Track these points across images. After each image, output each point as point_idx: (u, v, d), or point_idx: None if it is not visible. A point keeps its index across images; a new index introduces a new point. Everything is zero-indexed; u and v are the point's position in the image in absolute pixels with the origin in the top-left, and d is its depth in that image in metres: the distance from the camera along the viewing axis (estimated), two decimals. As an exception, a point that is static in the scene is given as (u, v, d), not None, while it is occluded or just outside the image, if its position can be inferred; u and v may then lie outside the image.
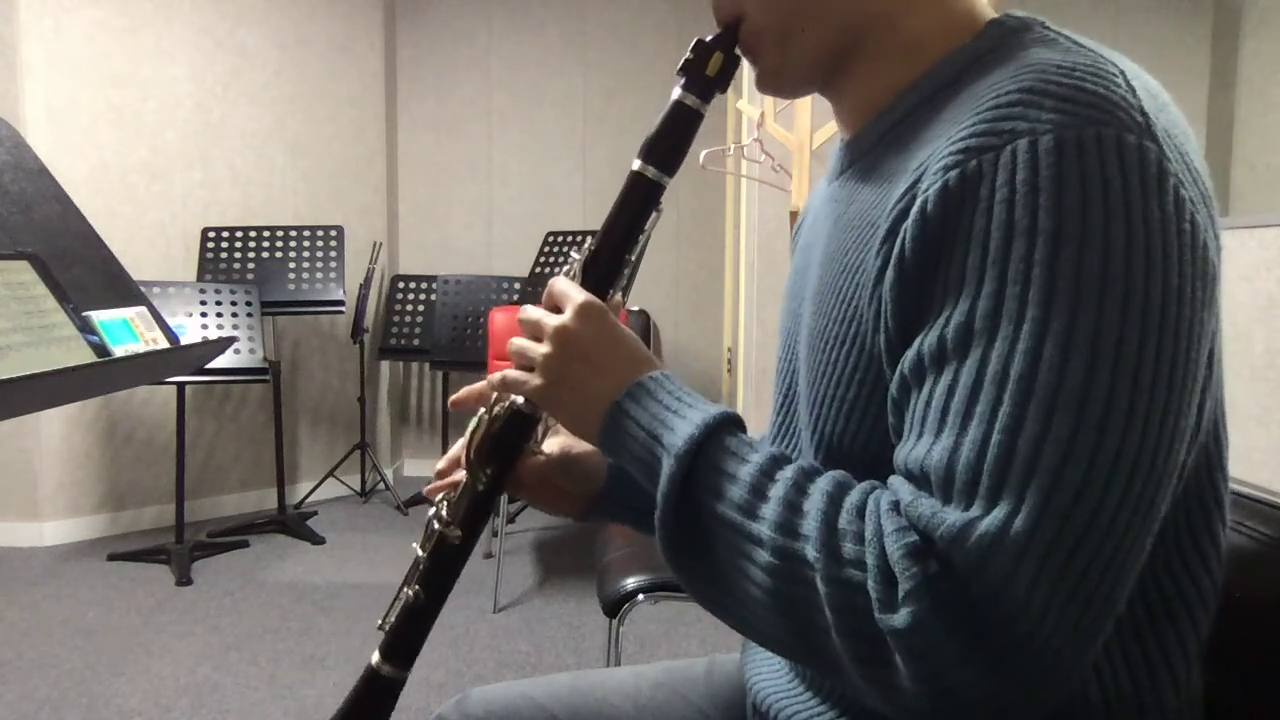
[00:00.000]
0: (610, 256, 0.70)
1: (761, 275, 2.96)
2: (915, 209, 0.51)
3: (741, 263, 3.93)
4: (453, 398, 0.79)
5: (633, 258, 0.71)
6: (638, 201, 0.70)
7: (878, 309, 0.55)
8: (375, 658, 0.73)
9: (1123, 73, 0.51)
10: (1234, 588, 0.64)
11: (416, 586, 0.73)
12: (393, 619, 0.74)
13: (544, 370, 0.65)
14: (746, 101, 2.86)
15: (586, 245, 0.71)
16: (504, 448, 0.73)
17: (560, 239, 3.71)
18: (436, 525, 0.73)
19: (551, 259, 3.69)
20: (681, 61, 0.68)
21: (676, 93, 0.68)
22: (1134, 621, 0.55)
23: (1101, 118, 0.48)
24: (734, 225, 4.32)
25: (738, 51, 0.67)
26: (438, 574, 0.73)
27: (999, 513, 0.45)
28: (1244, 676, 0.64)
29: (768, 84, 0.68)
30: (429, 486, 0.80)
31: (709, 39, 0.67)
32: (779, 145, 2.66)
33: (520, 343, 0.68)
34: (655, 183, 0.69)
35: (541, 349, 0.65)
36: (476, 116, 4.39)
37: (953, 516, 0.46)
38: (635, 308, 4.24)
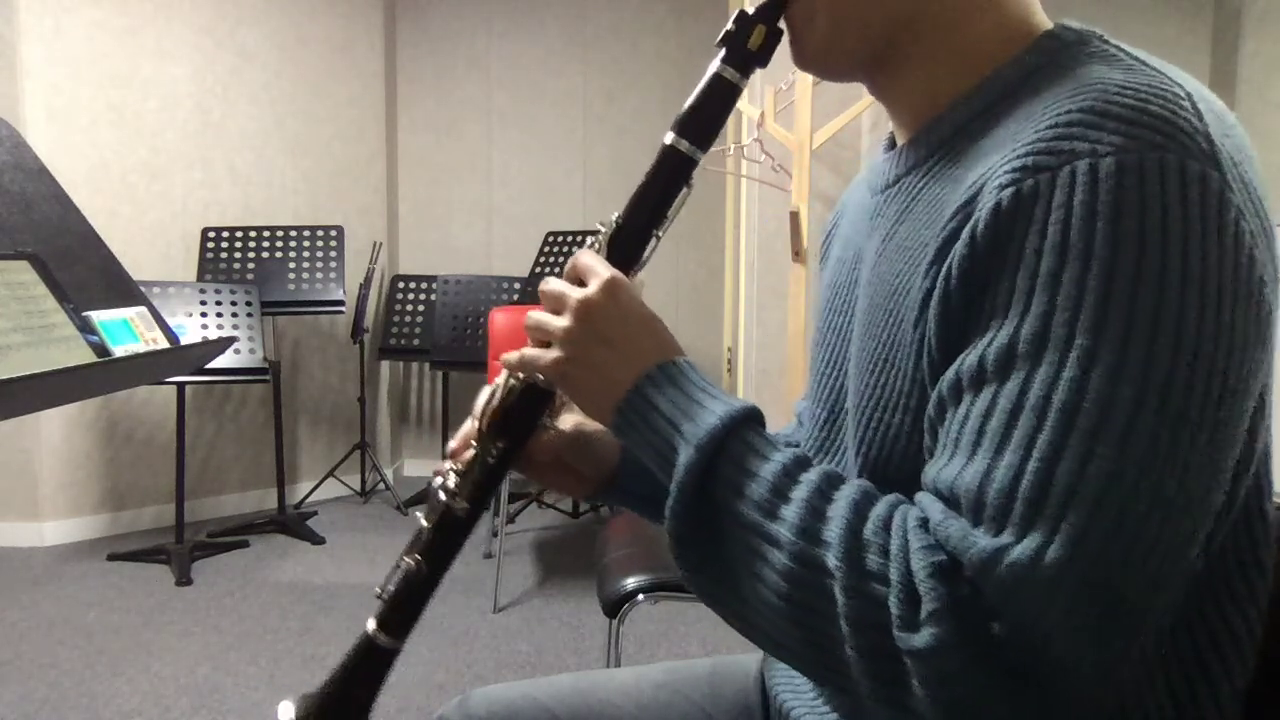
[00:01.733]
0: (637, 232, 0.68)
1: (761, 275, 2.96)
2: (967, 229, 0.50)
3: (741, 263, 3.92)
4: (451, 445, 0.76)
5: (661, 234, 0.68)
6: (668, 176, 0.67)
7: (922, 330, 0.54)
8: (371, 625, 0.71)
9: (1189, 95, 0.49)
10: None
11: (417, 556, 0.70)
12: (391, 588, 0.71)
13: (563, 343, 0.63)
14: (746, 101, 2.85)
15: (614, 218, 0.68)
16: (517, 421, 0.71)
17: (560, 239, 3.71)
18: (443, 496, 0.71)
19: (551, 259, 3.69)
20: (721, 34, 0.65)
21: (715, 65, 0.66)
22: (1179, 650, 0.54)
23: (1165, 142, 0.46)
24: (734, 225, 4.32)
25: (781, 25, 0.65)
26: (441, 545, 0.71)
27: (1031, 542, 0.44)
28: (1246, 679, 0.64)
29: (812, 63, 0.66)
30: (438, 469, 0.78)
31: (752, 11, 0.65)
32: (779, 145, 2.66)
33: (539, 316, 0.66)
34: (688, 157, 0.66)
35: (562, 322, 0.63)
36: (476, 116, 4.39)
37: (984, 541, 0.45)
38: (635, 308, 4.23)
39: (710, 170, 2.75)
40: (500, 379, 0.72)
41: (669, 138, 0.67)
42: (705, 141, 0.67)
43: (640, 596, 1.31)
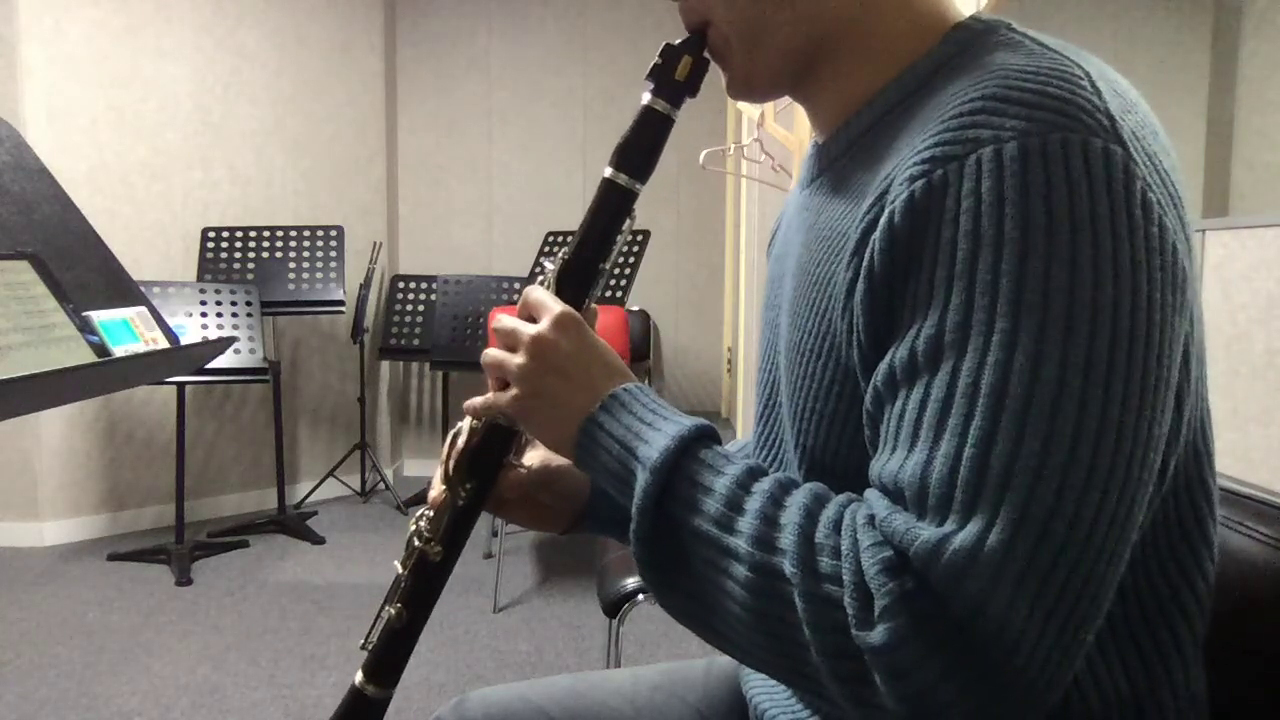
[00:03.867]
0: (584, 265, 0.69)
1: (761, 275, 2.96)
2: (883, 220, 0.51)
3: (741, 263, 3.92)
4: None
5: (606, 265, 0.70)
6: (611, 209, 0.69)
7: (850, 322, 0.55)
8: (359, 678, 0.73)
9: (1088, 74, 0.50)
10: (1234, 588, 0.64)
11: (398, 605, 0.72)
12: (375, 638, 0.73)
13: (519, 382, 0.64)
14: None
15: (560, 254, 0.70)
16: (483, 462, 0.72)
17: (560, 239, 3.71)
18: (417, 542, 0.72)
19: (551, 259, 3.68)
20: (650, 66, 0.67)
21: (646, 98, 0.68)
22: (1129, 624, 0.55)
23: (1066, 123, 0.47)
24: (734, 225, 4.32)
25: (706, 55, 0.67)
26: (419, 592, 0.72)
27: (973, 528, 0.45)
28: (1244, 678, 0.64)
29: (738, 89, 0.67)
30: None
31: (677, 43, 0.67)
32: (779, 145, 2.66)
33: (495, 354, 0.67)
34: (627, 190, 0.68)
35: (517, 360, 0.65)
36: (476, 116, 4.39)
37: (927, 532, 0.46)
38: (635, 308, 4.24)
39: (710, 170, 2.75)
40: (464, 422, 0.73)
41: (607, 171, 0.68)
42: (643, 174, 0.68)
43: (640, 596, 1.31)
